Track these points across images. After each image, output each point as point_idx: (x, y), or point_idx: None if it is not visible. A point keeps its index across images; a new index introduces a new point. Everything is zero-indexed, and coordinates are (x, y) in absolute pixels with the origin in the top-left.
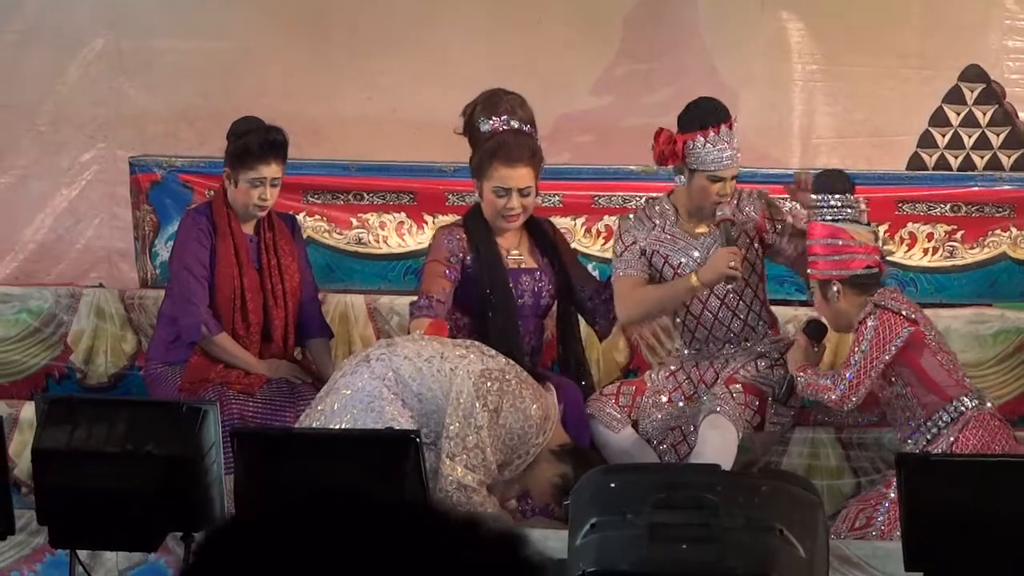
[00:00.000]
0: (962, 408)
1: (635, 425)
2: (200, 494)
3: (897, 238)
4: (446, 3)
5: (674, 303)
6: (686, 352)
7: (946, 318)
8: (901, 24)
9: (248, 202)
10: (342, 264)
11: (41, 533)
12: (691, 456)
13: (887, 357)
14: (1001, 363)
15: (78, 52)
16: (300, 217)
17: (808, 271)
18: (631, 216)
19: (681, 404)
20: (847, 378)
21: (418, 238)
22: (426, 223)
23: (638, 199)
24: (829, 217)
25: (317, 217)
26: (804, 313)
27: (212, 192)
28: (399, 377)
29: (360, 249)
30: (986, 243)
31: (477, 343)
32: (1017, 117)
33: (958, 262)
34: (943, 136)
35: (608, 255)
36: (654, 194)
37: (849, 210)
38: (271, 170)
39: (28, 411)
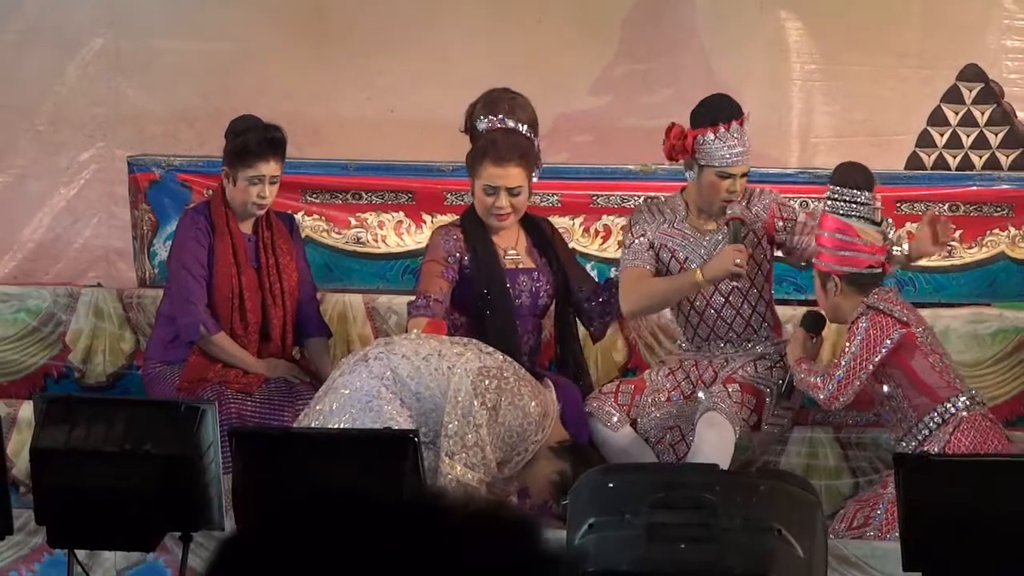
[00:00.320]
0: (952, 410)
1: (634, 424)
2: (199, 494)
3: (895, 238)
4: (445, 3)
5: (677, 297)
6: (686, 346)
7: (944, 318)
8: (900, 24)
9: (247, 200)
10: (340, 263)
11: (39, 533)
12: (688, 455)
13: (877, 358)
14: (1000, 362)
15: (77, 52)
16: (299, 216)
17: (813, 260)
18: (643, 208)
19: (680, 403)
20: (836, 378)
21: (416, 237)
22: (424, 222)
23: (636, 199)
24: (841, 211)
25: (316, 216)
26: (803, 312)
27: (211, 191)
28: (397, 376)
29: (358, 248)
30: (984, 242)
31: (475, 341)
32: (1015, 116)
33: (956, 262)
34: (941, 135)
35: (607, 255)
36: (652, 194)
37: (862, 207)
38: (270, 168)
39: (26, 410)
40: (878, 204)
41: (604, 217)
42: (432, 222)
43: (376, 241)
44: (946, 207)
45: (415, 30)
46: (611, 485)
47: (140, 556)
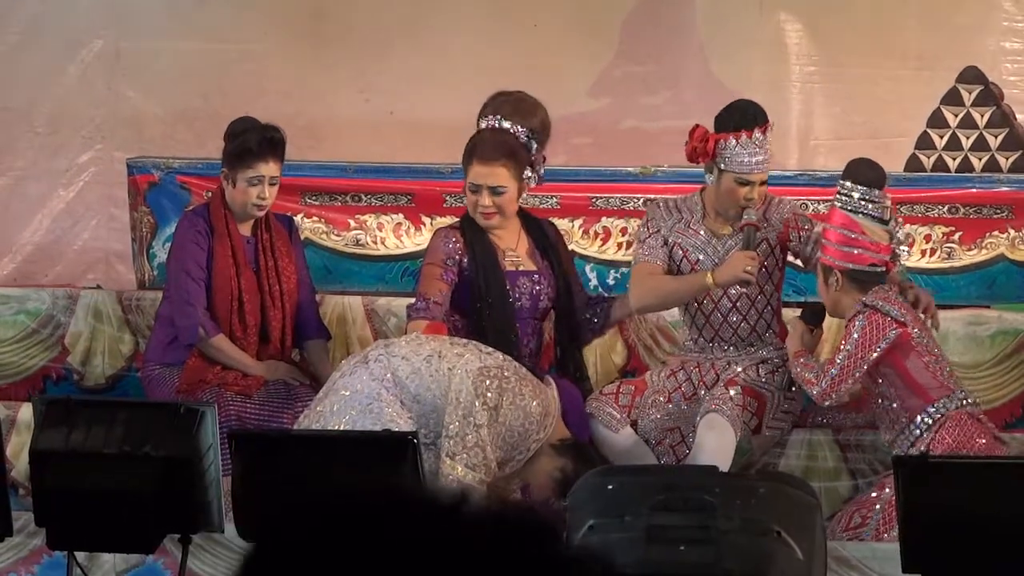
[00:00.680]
0: (942, 410)
1: (634, 425)
2: (198, 496)
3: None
4: (444, 5)
5: (686, 298)
6: (690, 346)
7: (944, 320)
8: (899, 26)
9: (247, 201)
10: (340, 265)
11: (39, 535)
12: (689, 456)
13: (872, 357)
14: (999, 364)
15: (76, 54)
16: (298, 219)
17: (818, 254)
18: (659, 205)
19: (681, 404)
20: (830, 375)
21: (416, 239)
22: (424, 224)
23: (635, 201)
24: (849, 207)
25: (315, 219)
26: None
27: (210, 193)
28: (397, 378)
29: (358, 250)
30: (984, 245)
31: (474, 341)
32: (1015, 119)
33: (956, 264)
34: (941, 138)
35: (606, 256)
36: (651, 196)
37: (870, 204)
38: (269, 168)
39: (26, 412)
40: (887, 203)
41: (603, 219)
42: (431, 224)
43: (375, 243)
44: (945, 209)
45: (414, 32)
46: (611, 487)
47: (139, 558)
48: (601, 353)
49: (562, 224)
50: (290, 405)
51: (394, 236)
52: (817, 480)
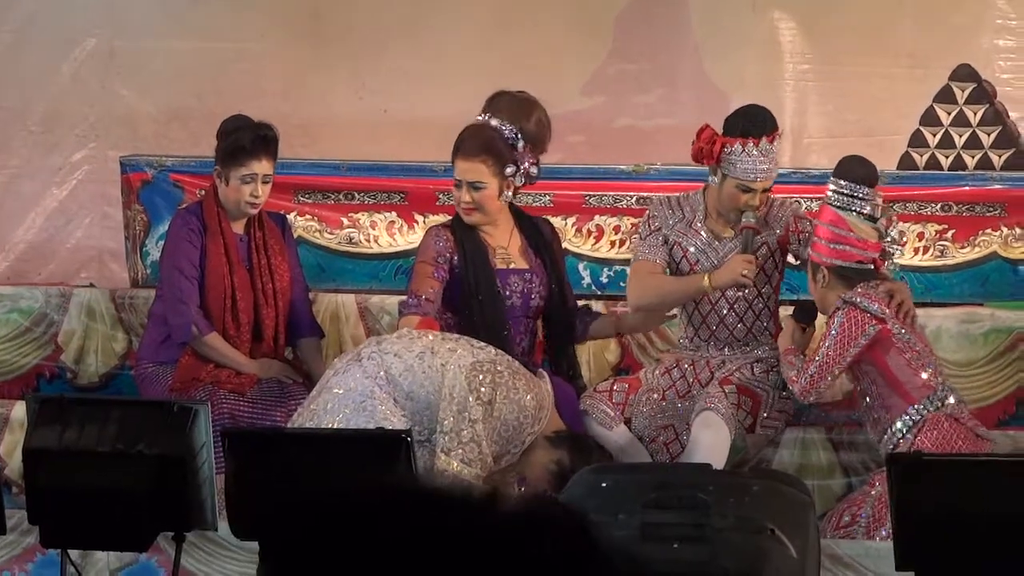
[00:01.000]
0: (918, 416)
1: (628, 423)
2: (191, 494)
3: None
4: (439, 4)
5: (683, 299)
6: (685, 344)
7: (937, 317)
8: (893, 24)
9: (240, 199)
10: (333, 264)
11: (32, 533)
12: (683, 455)
13: (852, 354)
14: (992, 362)
15: (70, 52)
16: (291, 217)
17: (808, 251)
18: (661, 202)
19: (675, 402)
20: (810, 373)
21: (409, 238)
22: (417, 223)
23: (629, 199)
24: (837, 204)
25: (308, 217)
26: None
27: (203, 192)
28: (390, 376)
29: (351, 249)
30: (977, 242)
31: (465, 337)
32: (1008, 117)
33: (949, 261)
34: (934, 136)
35: (599, 255)
36: (645, 194)
37: (858, 201)
38: (262, 166)
39: (19, 411)
40: (878, 200)
41: (596, 217)
42: (424, 222)
43: (368, 241)
44: (938, 207)
45: (408, 30)
46: (604, 485)
47: (133, 556)
48: (594, 351)
49: (555, 222)
50: (283, 403)
51: (387, 234)
52: (811, 478)
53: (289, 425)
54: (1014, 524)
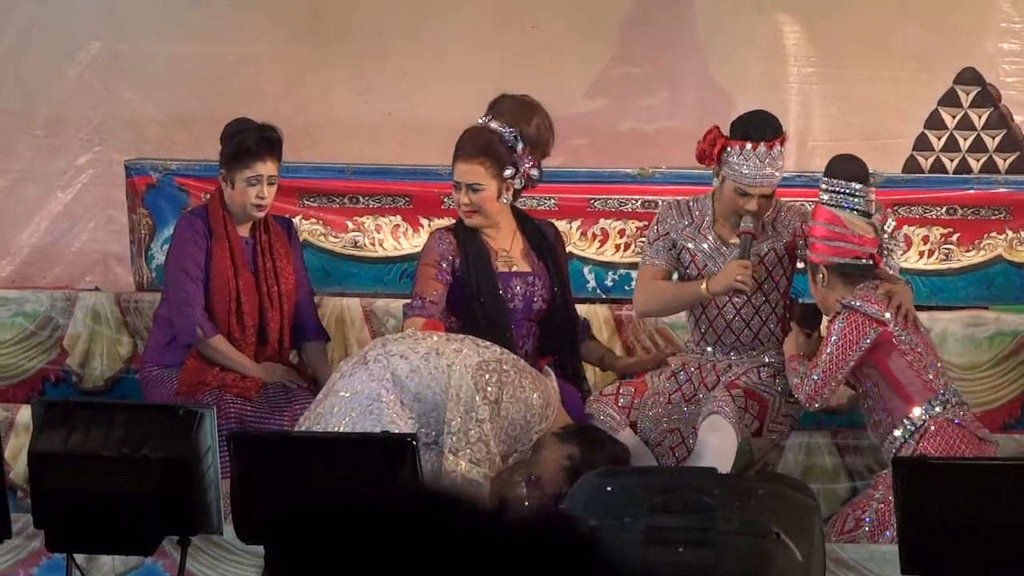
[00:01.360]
0: (924, 418)
1: (634, 426)
2: (197, 498)
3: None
4: (442, 6)
5: (685, 305)
6: (692, 347)
7: (942, 321)
8: (897, 27)
9: (246, 201)
10: (338, 267)
11: (38, 537)
12: (690, 458)
13: (854, 358)
14: (997, 366)
15: (74, 55)
16: (296, 220)
17: (807, 252)
18: (671, 206)
19: (681, 405)
20: (813, 379)
21: (414, 241)
22: (422, 226)
23: (634, 202)
24: (831, 202)
25: (313, 220)
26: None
27: (208, 195)
28: (396, 378)
29: (356, 252)
30: (982, 246)
31: (470, 337)
32: (1012, 120)
33: (954, 265)
34: (939, 139)
35: (604, 258)
36: (649, 197)
37: (852, 198)
38: (267, 168)
39: (24, 415)
40: (871, 196)
41: (601, 221)
42: (429, 226)
43: (373, 245)
44: (943, 210)
45: (412, 33)
46: (609, 488)
47: (138, 560)
48: None
49: (560, 226)
50: (288, 407)
51: (392, 238)
52: (816, 481)
53: (296, 428)
54: (1019, 528)
